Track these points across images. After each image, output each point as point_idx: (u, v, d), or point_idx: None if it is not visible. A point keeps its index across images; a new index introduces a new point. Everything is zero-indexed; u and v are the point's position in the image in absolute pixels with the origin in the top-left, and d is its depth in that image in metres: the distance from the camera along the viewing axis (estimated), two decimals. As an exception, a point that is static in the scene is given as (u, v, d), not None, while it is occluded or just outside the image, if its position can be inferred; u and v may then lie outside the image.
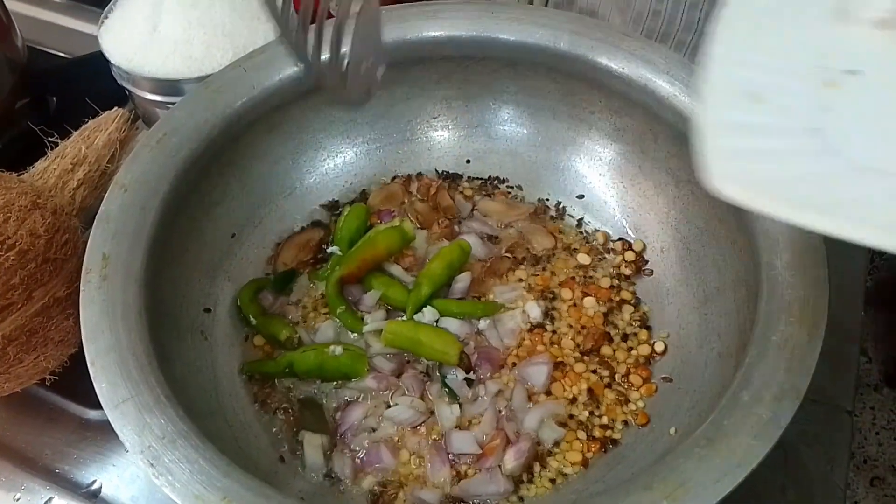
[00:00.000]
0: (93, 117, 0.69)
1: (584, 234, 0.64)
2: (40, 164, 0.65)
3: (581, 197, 0.65)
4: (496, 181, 0.67)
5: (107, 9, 0.70)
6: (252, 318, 0.58)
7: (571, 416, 0.53)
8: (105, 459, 0.60)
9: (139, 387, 0.41)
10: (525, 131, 0.67)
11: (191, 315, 0.55)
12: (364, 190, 0.68)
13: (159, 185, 0.52)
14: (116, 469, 0.59)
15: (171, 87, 0.65)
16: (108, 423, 0.60)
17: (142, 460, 0.39)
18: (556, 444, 0.52)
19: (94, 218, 0.71)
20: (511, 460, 0.50)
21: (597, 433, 0.52)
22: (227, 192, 0.60)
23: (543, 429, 0.52)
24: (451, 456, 0.51)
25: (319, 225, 0.66)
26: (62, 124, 0.70)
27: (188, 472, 0.38)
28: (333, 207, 0.66)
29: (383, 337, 0.55)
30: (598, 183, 0.64)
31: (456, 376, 0.54)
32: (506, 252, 0.62)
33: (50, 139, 0.67)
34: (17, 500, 0.57)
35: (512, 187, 0.67)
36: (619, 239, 0.63)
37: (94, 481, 0.58)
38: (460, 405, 0.53)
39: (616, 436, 0.52)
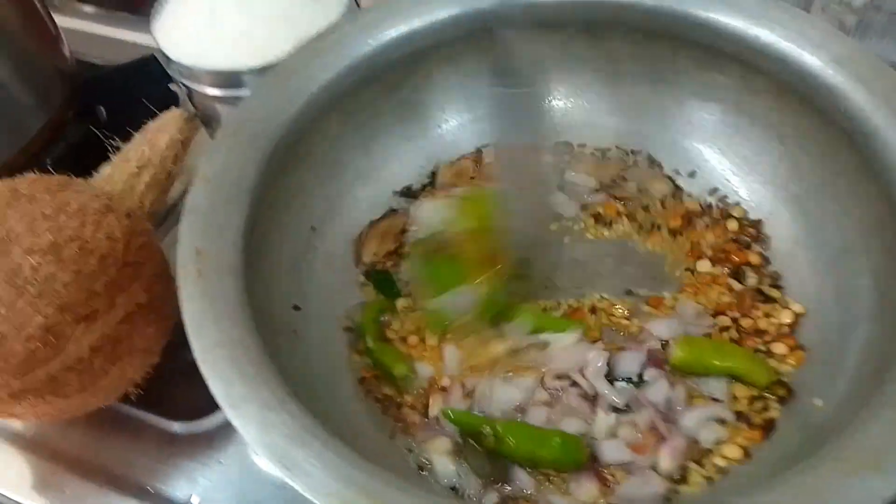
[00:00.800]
0: (149, 120, 0.67)
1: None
2: (105, 170, 0.63)
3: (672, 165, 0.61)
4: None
5: (155, 7, 0.67)
6: (370, 341, 0.54)
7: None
8: (195, 472, 0.57)
9: (256, 383, 0.38)
10: (603, 100, 0.63)
11: (282, 312, 0.52)
12: (434, 172, 0.64)
13: (242, 176, 0.49)
14: (208, 482, 0.56)
15: (234, 78, 0.62)
16: (196, 435, 0.59)
17: (272, 462, 0.36)
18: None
19: (164, 220, 0.71)
20: (667, 459, 0.46)
21: (755, 419, 0.48)
22: (305, 182, 0.57)
23: (702, 429, 0.47)
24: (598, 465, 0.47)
25: (395, 213, 0.62)
26: (116, 131, 0.67)
27: (323, 471, 0.35)
28: (407, 193, 0.63)
29: None
30: (690, 148, 0.61)
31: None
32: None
33: (111, 142, 0.64)
34: (112, 522, 0.55)
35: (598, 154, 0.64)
36: (719, 206, 0.59)
37: (190, 496, 0.56)
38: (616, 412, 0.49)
39: (774, 415, 0.48)
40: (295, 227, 0.56)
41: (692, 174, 0.60)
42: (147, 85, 0.80)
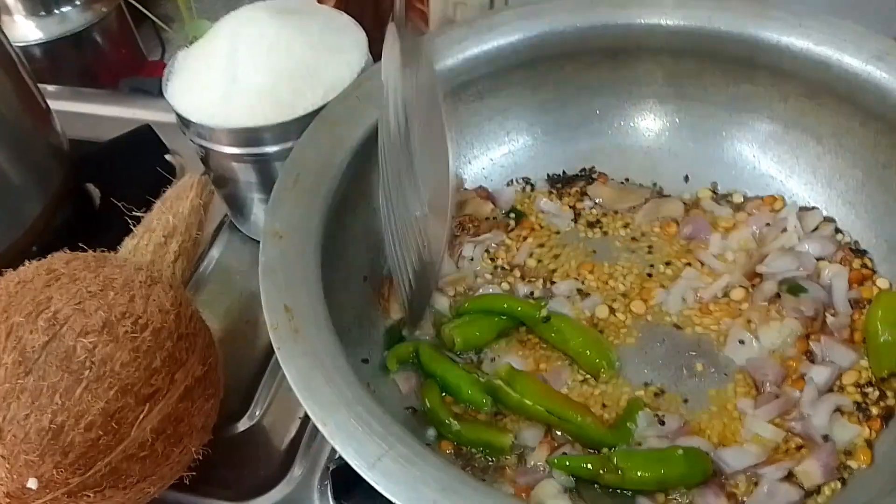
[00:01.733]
0: (157, 190, 0.64)
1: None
2: (130, 242, 0.60)
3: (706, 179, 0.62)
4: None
5: (167, 71, 0.65)
6: (452, 423, 0.49)
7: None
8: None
9: (388, 439, 0.36)
10: (627, 125, 0.64)
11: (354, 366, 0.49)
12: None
13: (310, 227, 0.47)
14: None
15: (254, 136, 0.60)
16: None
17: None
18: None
19: (191, 288, 0.67)
20: (818, 474, 0.44)
21: (874, 410, 0.47)
22: (355, 232, 0.55)
23: (835, 427, 0.47)
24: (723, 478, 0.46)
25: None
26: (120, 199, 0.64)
27: (489, 521, 0.33)
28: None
29: None
30: (723, 160, 0.62)
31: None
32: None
33: (133, 212, 0.61)
34: None
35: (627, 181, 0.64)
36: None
37: (269, 581, 0.51)
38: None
39: (892, 402, 0.47)
40: (352, 278, 0.54)
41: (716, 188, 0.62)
42: (143, 156, 0.77)
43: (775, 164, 0.60)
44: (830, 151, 0.57)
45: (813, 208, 0.58)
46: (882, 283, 0.53)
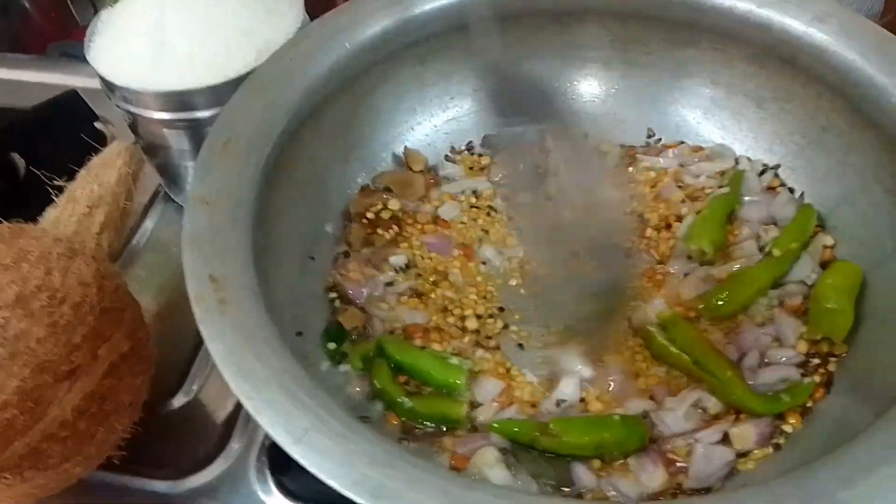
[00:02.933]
0: (84, 158, 0.60)
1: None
2: (51, 213, 0.56)
3: (648, 141, 0.61)
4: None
5: (89, 32, 0.61)
6: (405, 401, 0.47)
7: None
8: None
9: (318, 412, 0.34)
10: (573, 87, 0.63)
11: (291, 341, 0.47)
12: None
13: (241, 194, 0.45)
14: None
15: (186, 100, 0.57)
16: (189, 491, 0.53)
17: (359, 495, 0.32)
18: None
19: (124, 262, 0.64)
20: (752, 439, 0.44)
21: (816, 378, 0.47)
22: (290, 200, 0.53)
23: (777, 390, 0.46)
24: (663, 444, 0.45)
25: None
26: (46, 169, 0.60)
27: (424, 493, 0.32)
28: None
29: None
30: (667, 127, 0.61)
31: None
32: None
33: (55, 182, 0.57)
34: None
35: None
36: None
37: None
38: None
39: (832, 368, 0.47)
40: (294, 251, 0.52)
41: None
42: (70, 124, 0.73)
43: (718, 129, 0.59)
44: (773, 116, 0.56)
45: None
46: (827, 239, 0.52)
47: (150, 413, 0.52)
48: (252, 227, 0.44)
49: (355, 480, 0.32)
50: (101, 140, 0.72)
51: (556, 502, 0.39)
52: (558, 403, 0.47)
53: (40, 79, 0.81)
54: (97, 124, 0.75)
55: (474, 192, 0.60)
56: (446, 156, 0.62)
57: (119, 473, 0.53)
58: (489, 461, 0.45)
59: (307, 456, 0.33)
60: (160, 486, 0.54)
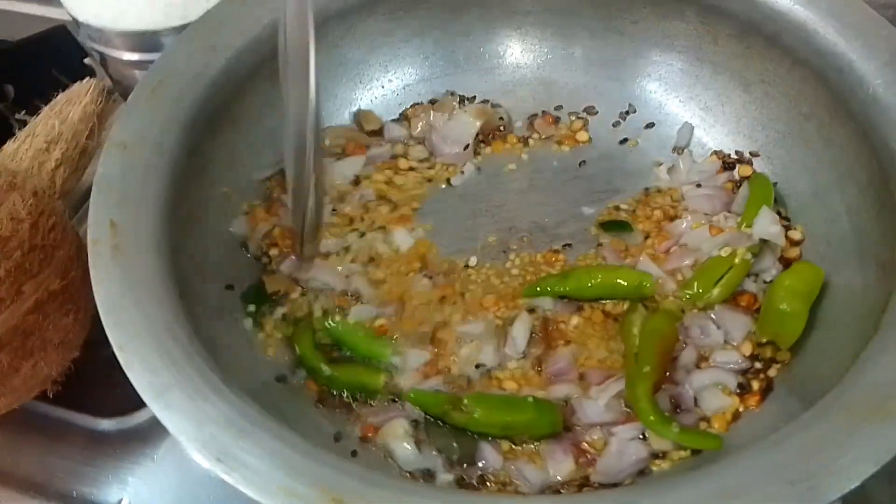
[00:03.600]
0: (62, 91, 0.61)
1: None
2: (9, 146, 0.56)
3: (625, 115, 0.58)
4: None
5: (62, -35, 0.60)
6: (324, 369, 0.46)
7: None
8: (126, 472, 0.52)
9: (185, 370, 0.33)
10: (558, 55, 0.59)
11: (217, 294, 0.47)
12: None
13: (163, 140, 0.43)
14: (140, 481, 0.51)
15: (152, 41, 0.56)
16: (127, 431, 0.53)
17: (203, 455, 0.31)
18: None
19: (80, 201, 0.65)
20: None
21: (755, 385, 0.44)
22: (235, 151, 0.51)
23: (708, 396, 0.44)
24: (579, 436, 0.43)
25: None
26: (27, 105, 0.61)
27: (268, 462, 0.30)
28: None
29: None
30: (650, 102, 0.57)
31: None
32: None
33: (16, 117, 0.57)
34: (32, 533, 0.49)
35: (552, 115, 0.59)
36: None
37: (120, 500, 0.50)
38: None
39: (773, 373, 0.44)
40: (228, 198, 0.51)
41: (650, 126, 0.57)
42: (59, 58, 0.73)
43: (700, 110, 0.56)
44: (756, 101, 0.52)
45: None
46: (794, 234, 0.49)
47: (92, 352, 0.53)
48: (170, 174, 0.43)
49: (204, 441, 0.31)
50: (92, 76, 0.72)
51: (422, 488, 0.37)
52: (477, 366, 0.46)
53: (34, 11, 0.81)
54: (87, 61, 0.75)
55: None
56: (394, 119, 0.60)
57: (57, 406, 0.54)
58: (398, 433, 0.44)
59: (163, 412, 0.32)
60: (105, 423, 0.54)
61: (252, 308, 0.48)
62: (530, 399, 0.43)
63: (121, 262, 0.37)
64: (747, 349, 0.45)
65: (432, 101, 0.60)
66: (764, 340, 0.45)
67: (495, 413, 0.43)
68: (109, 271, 0.37)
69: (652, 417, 0.41)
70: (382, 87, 0.60)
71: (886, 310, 0.34)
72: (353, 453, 0.43)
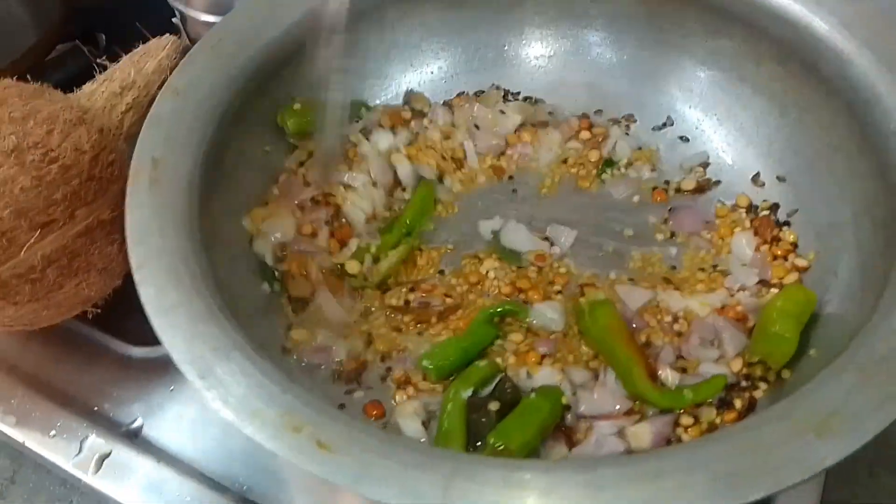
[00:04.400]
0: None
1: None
2: (88, 87, 0.61)
3: (661, 127, 0.58)
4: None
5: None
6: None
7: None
8: (148, 399, 0.56)
9: (191, 293, 0.37)
10: (606, 60, 0.61)
11: (240, 244, 0.50)
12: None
13: (215, 91, 0.47)
14: (160, 409, 0.55)
15: (227, 4, 0.61)
16: (153, 360, 0.58)
17: (191, 372, 0.34)
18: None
19: None
20: (647, 439, 0.43)
21: (737, 402, 0.44)
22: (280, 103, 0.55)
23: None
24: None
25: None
26: (112, 54, 0.66)
27: (244, 386, 0.34)
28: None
29: None
30: (688, 116, 0.58)
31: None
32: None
33: (98, 61, 0.63)
34: (53, 437, 0.53)
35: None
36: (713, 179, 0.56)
37: (134, 420, 0.54)
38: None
39: (759, 395, 0.45)
40: (268, 157, 0.54)
41: (684, 139, 0.58)
42: (148, 14, 0.79)
43: (736, 131, 0.56)
44: (790, 125, 0.52)
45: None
46: (800, 262, 0.49)
47: (134, 286, 0.57)
48: (216, 123, 0.46)
49: (192, 359, 0.34)
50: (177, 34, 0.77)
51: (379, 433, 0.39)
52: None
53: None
54: (174, 20, 0.80)
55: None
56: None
57: (101, 331, 0.59)
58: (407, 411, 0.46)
59: (163, 327, 0.36)
60: (135, 350, 0.58)
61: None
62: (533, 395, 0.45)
63: (156, 193, 0.41)
64: (737, 366, 0.46)
65: (477, 94, 0.62)
66: (755, 360, 0.45)
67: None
68: (143, 200, 0.41)
69: (659, 394, 0.43)
70: (432, 73, 0.62)
71: (857, 335, 0.35)
72: (341, 406, 0.46)
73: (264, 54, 0.50)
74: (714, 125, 0.57)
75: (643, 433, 0.43)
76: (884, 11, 0.45)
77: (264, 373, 0.35)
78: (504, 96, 0.62)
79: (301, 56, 0.54)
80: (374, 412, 0.47)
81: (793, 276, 0.48)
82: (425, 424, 0.45)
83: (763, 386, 0.44)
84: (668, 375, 0.44)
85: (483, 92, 0.63)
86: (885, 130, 0.43)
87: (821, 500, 0.44)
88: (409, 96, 0.62)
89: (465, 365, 0.46)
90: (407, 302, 0.51)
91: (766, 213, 0.52)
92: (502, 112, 0.60)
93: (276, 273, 0.51)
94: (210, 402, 0.33)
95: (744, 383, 0.45)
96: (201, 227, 0.42)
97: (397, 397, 0.47)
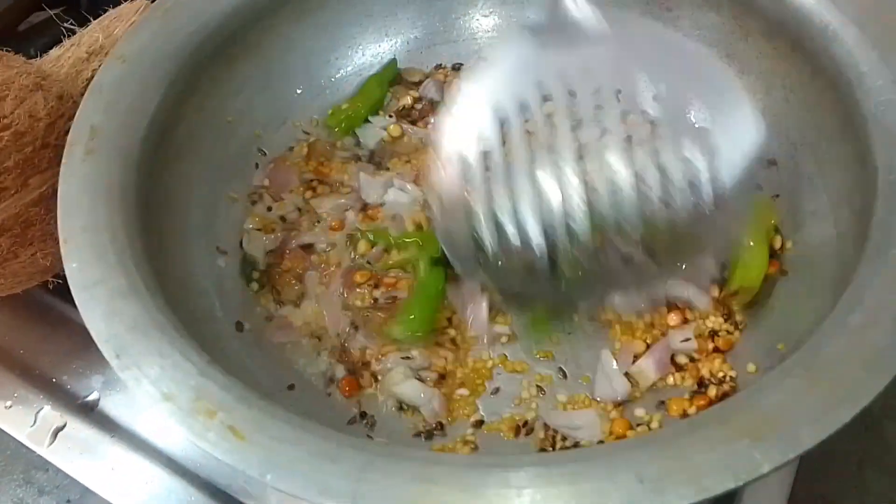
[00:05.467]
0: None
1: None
2: (54, 52, 0.60)
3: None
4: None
5: None
6: None
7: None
8: (108, 372, 0.55)
9: (114, 269, 0.35)
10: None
11: (198, 217, 0.49)
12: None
13: (162, 59, 0.45)
14: (118, 383, 0.54)
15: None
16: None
17: (106, 350, 0.33)
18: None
19: None
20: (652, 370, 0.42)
21: (712, 391, 0.43)
22: (247, 83, 0.53)
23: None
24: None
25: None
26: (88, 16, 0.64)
27: (158, 368, 0.32)
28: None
29: None
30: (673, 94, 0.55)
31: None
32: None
33: (65, 26, 0.61)
34: (9, 407, 0.53)
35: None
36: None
37: (90, 393, 0.54)
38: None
39: (728, 389, 0.43)
40: (234, 130, 0.52)
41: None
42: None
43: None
44: (776, 105, 0.49)
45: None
46: (776, 241, 0.47)
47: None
48: (164, 92, 0.45)
49: (109, 337, 0.33)
50: None
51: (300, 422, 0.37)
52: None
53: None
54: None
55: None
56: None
57: (63, 301, 0.58)
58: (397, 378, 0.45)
59: (83, 303, 0.34)
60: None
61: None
62: None
63: (89, 165, 0.40)
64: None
65: (455, 66, 0.60)
66: (734, 290, 0.44)
67: None
68: (76, 171, 0.39)
69: None
70: (408, 42, 0.60)
71: (811, 335, 0.32)
72: (291, 386, 0.44)
73: (221, 19, 0.48)
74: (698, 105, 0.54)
75: (646, 367, 0.43)
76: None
77: (184, 353, 0.33)
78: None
79: (267, 24, 0.52)
80: (348, 388, 0.45)
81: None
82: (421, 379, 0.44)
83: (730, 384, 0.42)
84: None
85: (462, 65, 0.60)
86: (865, 112, 0.40)
87: (807, 495, 0.42)
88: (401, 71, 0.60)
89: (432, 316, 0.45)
90: (375, 299, 0.48)
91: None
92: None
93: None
94: (126, 382, 0.32)
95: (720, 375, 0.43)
96: (147, 201, 0.40)
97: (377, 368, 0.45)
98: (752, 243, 0.44)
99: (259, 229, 0.50)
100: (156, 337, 0.33)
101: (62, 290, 0.55)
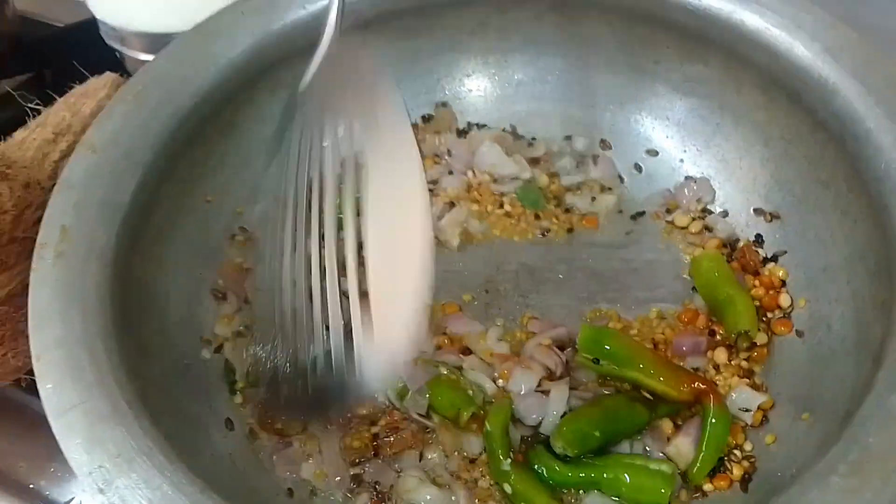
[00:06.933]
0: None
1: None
2: (18, 134, 0.57)
3: (638, 168, 0.54)
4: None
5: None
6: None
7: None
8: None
9: (92, 390, 0.32)
10: (575, 89, 0.56)
11: (178, 309, 0.46)
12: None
13: (135, 147, 0.43)
14: (99, 484, 0.51)
15: (164, 43, 0.56)
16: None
17: (90, 485, 0.30)
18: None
19: None
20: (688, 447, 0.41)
21: (735, 470, 0.40)
22: (225, 161, 0.51)
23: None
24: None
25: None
26: (53, 94, 0.62)
27: (147, 501, 0.29)
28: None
29: None
30: (666, 146, 0.54)
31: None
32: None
33: (30, 105, 0.58)
34: (-16, 518, 0.49)
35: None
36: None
37: (71, 499, 0.50)
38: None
39: (748, 467, 0.41)
40: (214, 211, 0.50)
41: (653, 177, 0.54)
42: (95, 48, 0.74)
43: (718, 161, 0.52)
44: (776, 158, 0.48)
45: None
46: (784, 300, 0.46)
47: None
48: (139, 182, 0.42)
49: (90, 468, 0.30)
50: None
51: None
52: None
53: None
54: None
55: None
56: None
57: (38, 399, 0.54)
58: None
59: (61, 431, 0.32)
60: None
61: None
62: None
63: (61, 269, 0.37)
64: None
65: (425, 117, 0.58)
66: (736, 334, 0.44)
67: None
68: (46, 278, 0.36)
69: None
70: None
71: (849, 425, 0.30)
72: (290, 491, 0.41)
73: (195, 100, 0.46)
74: (694, 156, 0.52)
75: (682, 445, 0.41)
76: (865, 36, 0.41)
77: (174, 482, 0.30)
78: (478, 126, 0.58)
79: (241, 100, 0.50)
80: None
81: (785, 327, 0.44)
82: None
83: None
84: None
85: (432, 116, 0.58)
86: (876, 169, 0.38)
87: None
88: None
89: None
90: (375, 435, 0.44)
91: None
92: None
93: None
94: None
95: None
96: (123, 300, 0.37)
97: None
98: (729, 293, 0.45)
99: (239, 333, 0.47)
100: (143, 467, 0.30)
101: (36, 388, 0.52)
